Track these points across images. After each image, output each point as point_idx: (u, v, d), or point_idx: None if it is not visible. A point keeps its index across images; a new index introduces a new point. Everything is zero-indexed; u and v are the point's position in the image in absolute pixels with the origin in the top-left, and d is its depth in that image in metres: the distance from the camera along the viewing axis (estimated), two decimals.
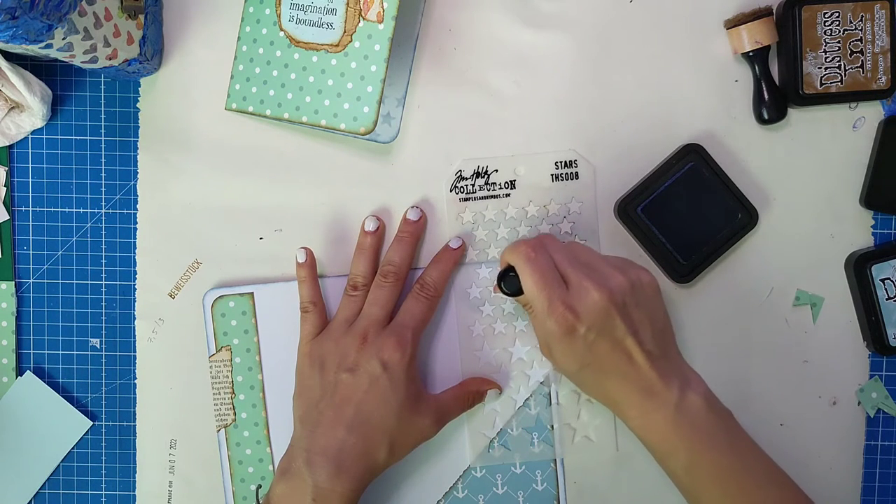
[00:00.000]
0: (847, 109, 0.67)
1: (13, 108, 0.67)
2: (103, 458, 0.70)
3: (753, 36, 0.64)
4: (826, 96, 0.65)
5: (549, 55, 0.67)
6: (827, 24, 0.64)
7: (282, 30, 0.63)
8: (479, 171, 0.67)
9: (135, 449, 0.70)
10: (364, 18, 0.61)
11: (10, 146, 0.68)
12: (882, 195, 0.67)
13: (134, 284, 0.69)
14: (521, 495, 0.68)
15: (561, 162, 0.67)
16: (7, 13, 0.48)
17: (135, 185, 0.69)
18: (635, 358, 0.58)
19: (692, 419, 0.58)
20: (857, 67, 0.65)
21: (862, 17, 0.64)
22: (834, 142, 0.67)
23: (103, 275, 0.69)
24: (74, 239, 0.69)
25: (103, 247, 0.69)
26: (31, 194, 0.69)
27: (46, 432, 0.69)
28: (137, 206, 0.68)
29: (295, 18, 0.62)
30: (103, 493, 0.70)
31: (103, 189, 0.69)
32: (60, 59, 0.57)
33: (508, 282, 0.62)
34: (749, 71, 0.67)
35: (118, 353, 0.69)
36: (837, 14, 0.64)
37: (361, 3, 0.61)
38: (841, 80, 0.65)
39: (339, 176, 0.68)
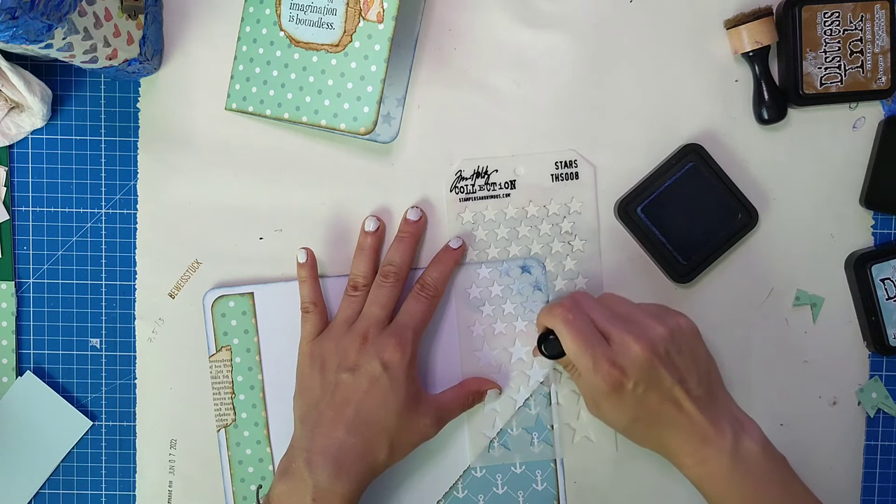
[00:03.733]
0: (847, 109, 0.67)
1: (13, 108, 0.67)
2: (103, 458, 0.70)
3: (753, 36, 0.64)
4: (826, 96, 0.65)
5: (549, 55, 0.67)
6: (827, 24, 0.64)
7: (282, 30, 0.63)
8: (479, 171, 0.67)
9: (135, 449, 0.70)
10: (364, 18, 0.61)
11: (10, 146, 0.68)
12: (882, 195, 0.67)
13: (134, 284, 0.69)
14: (521, 495, 0.68)
15: (561, 162, 0.67)
16: (7, 13, 0.48)
17: (135, 185, 0.69)
18: (685, 406, 0.58)
19: (748, 467, 0.58)
20: (857, 67, 0.65)
21: (862, 17, 0.64)
22: (834, 142, 0.67)
23: (103, 275, 0.69)
24: (74, 239, 0.69)
25: (103, 247, 0.69)
26: (31, 194, 0.69)
27: (46, 432, 0.69)
28: (137, 206, 0.68)
29: (295, 18, 0.62)
30: (103, 493, 0.70)
31: (103, 189, 0.69)
32: (60, 59, 0.57)
33: (549, 345, 0.62)
34: (749, 71, 0.67)
35: (118, 353, 0.69)
36: (837, 14, 0.64)
37: (361, 3, 0.61)
38: (841, 80, 0.65)
39: (339, 176, 0.68)
